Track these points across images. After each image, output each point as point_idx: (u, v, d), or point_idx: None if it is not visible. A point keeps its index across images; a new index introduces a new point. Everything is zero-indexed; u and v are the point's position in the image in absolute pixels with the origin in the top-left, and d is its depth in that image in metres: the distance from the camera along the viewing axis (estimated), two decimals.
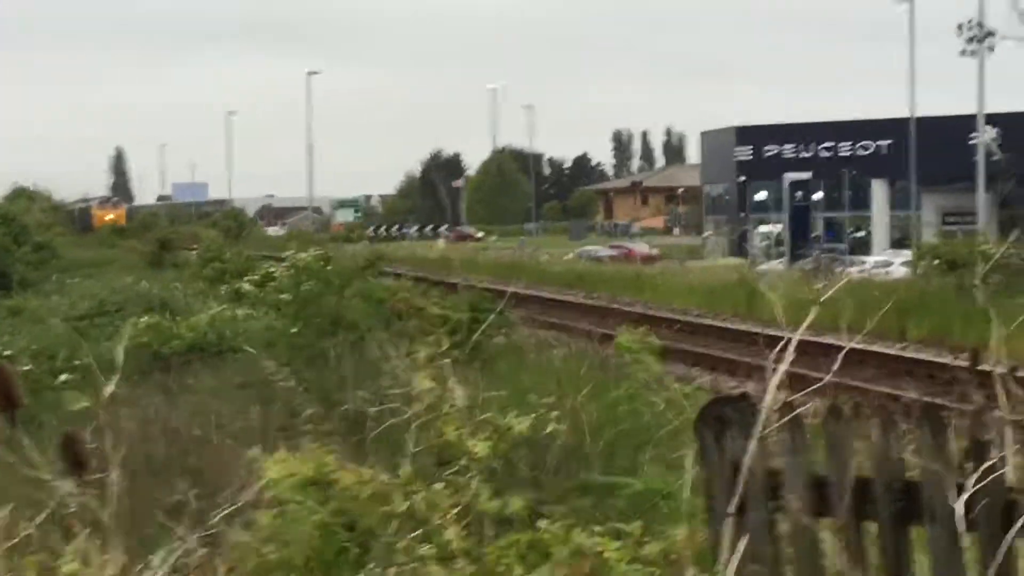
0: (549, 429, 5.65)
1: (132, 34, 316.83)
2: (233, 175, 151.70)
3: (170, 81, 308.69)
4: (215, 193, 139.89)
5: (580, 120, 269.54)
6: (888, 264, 47.33)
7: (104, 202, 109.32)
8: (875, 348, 23.15)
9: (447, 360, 6.27)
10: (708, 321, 32.76)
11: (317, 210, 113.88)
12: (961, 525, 4.27)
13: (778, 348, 4.70)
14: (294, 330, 19.29)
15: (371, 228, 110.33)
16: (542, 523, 4.72)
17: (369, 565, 4.58)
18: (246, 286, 30.18)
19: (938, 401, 15.54)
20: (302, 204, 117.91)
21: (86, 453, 3.54)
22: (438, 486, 4.89)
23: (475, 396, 5.82)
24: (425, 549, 4.67)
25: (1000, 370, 4.75)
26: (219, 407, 14.13)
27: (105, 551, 4.18)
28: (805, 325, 4.63)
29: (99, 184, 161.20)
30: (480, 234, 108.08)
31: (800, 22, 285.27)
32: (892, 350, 24.89)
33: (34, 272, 46.98)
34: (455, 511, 4.78)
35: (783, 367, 4.65)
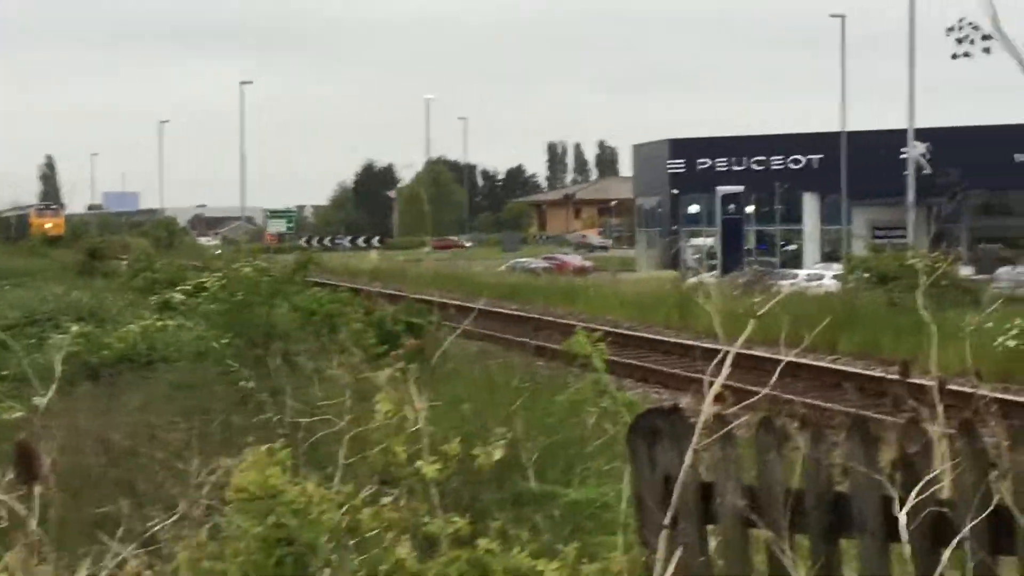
0: (497, 455, 5.63)
1: (64, 37, 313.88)
2: (165, 184, 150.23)
3: (101, 88, 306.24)
4: (147, 203, 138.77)
5: (515, 132, 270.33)
6: (820, 277, 47.64)
7: (42, 210, 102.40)
8: (807, 360, 23.32)
9: (403, 375, 6.26)
10: (641, 333, 32.86)
11: (250, 220, 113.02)
12: (896, 537, 4.30)
13: (716, 361, 4.72)
14: (225, 340, 19.18)
15: (304, 239, 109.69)
16: (482, 541, 4.74)
17: None
18: (177, 296, 29.97)
19: (869, 413, 15.70)
20: (235, 214, 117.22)
21: (39, 463, 3.53)
22: (385, 502, 4.89)
23: (419, 411, 5.80)
24: (362, 562, 4.67)
25: (934, 382, 4.80)
26: (152, 418, 14.03)
27: (36, 563, 4.15)
28: (743, 338, 4.65)
29: (28, 192, 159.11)
30: (468, 243, 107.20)
31: (734, 34, 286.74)
32: (824, 362, 25.09)
33: None
34: (400, 529, 4.78)
35: (720, 380, 4.68)
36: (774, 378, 5.12)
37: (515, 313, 38.04)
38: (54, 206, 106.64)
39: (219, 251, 60.59)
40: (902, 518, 4.13)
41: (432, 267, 63.76)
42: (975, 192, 62.55)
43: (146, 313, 28.25)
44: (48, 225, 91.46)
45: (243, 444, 5.97)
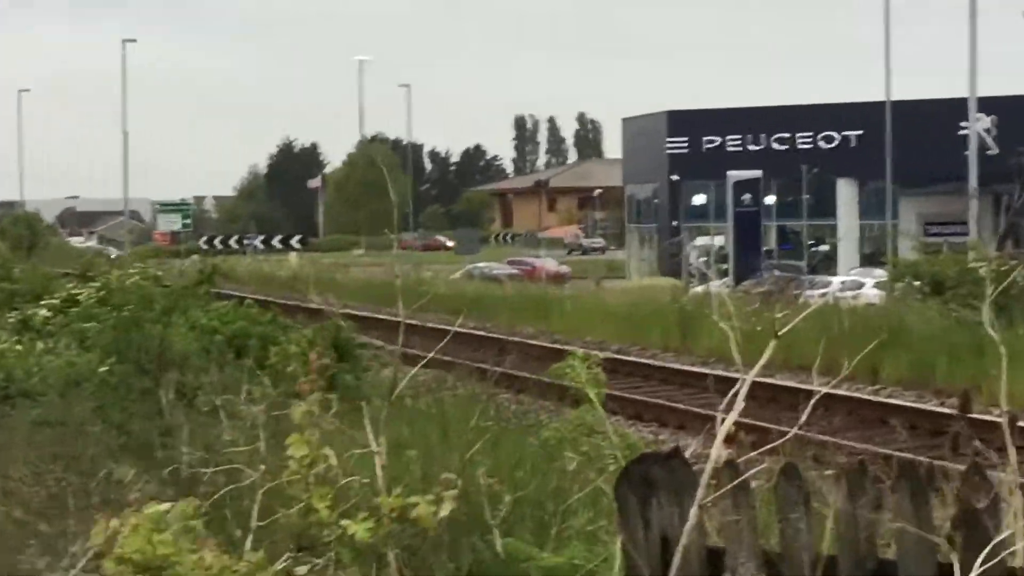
0: (446, 508, 5.64)
1: None
2: (25, 171, 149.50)
3: None
4: (3, 194, 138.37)
5: (473, 104, 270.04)
6: (859, 286, 47.84)
7: None
8: (843, 392, 23.36)
9: (322, 409, 6.26)
10: (632, 357, 32.86)
11: (135, 215, 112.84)
12: None
13: (730, 393, 4.72)
14: (105, 368, 19.16)
15: (204, 239, 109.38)
16: None
17: None
18: (42, 312, 29.90)
19: (922, 457, 15.76)
20: (116, 208, 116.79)
21: None
22: (301, 572, 4.91)
23: (349, 456, 5.81)
24: None
25: (1004, 417, 4.80)
26: (8, 468, 13.98)
27: None
28: (762, 363, 4.66)
29: None
30: (451, 243, 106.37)
31: None
32: (865, 394, 25.12)
33: None
34: None
35: (732, 416, 4.69)
36: (805, 415, 5.12)
37: (474, 333, 38.05)
38: None
39: (115, 255, 60.30)
40: None
41: (369, 273, 63.72)
42: None
43: (2, 335, 28.17)
44: None
45: (126, 501, 5.95)
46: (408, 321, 21.19)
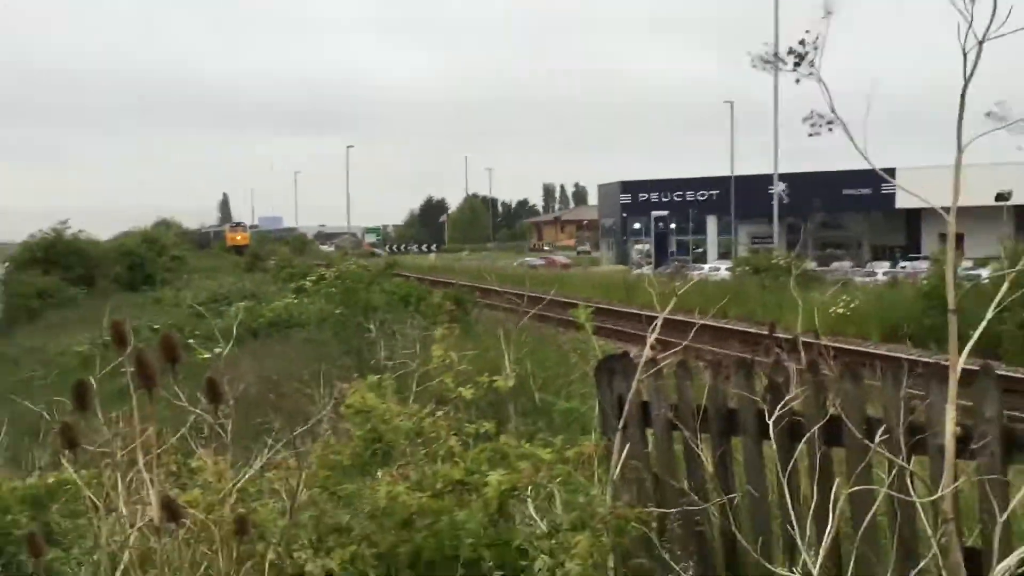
0: (511, 383, 5.65)
1: (224, 116, 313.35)
2: (299, 211, 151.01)
3: (259, 150, 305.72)
4: (288, 223, 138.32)
5: (522, 176, 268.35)
6: (717, 269, 47.46)
7: (235, 227, 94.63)
8: (710, 322, 23.24)
9: (450, 333, 6.26)
10: (603, 305, 32.80)
11: (353, 235, 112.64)
12: (767, 436, 4.29)
13: (655, 325, 4.72)
14: (338, 311, 19.24)
15: (388, 247, 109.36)
16: (503, 437, 4.76)
17: (393, 462, 4.60)
18: (306, 284, 30.07)
19: (749, 356, 15.68)
20: (344, 230, 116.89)
21: (222, 388, 3.55)
22: (439, 414, 4.92)
23: (462, 356, 5.81)
24: (425, 452, 4.69)
25: (799, 336, 4.79)
26: (291, 362, 14.08)
27: (221, 455, 4.18)
28: (668, 308, 4.65)
29: (210, 218, 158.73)
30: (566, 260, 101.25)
31: (667, 112, 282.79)
32: (720, 324, 25.07)
33: (170, 274, 46.52)
34: (449, 430, 4.80)
35: (653, 335, 4.68)
36: (691, 336, 5.12)
37: (520, 293, 37.94)
38: (243, 224, 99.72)
39: (343, 253, 60.20)
40: (771, 424, 4.14)
41: (471, 265, 63.64)
42: (817, 214, 62.25)
43: (287, 294, 28.35)
44: (238, 238, 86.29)
45: (351, 378, 5.98)
46: (489, 287, 21.04)
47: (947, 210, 3.07)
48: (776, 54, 3.13)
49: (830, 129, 3.07)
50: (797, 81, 3.05)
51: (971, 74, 2.97)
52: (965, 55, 2.97)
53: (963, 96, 2.99)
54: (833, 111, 3.04)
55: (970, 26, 2.94)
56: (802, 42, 3.04)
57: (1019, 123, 2.98)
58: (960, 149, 3.08)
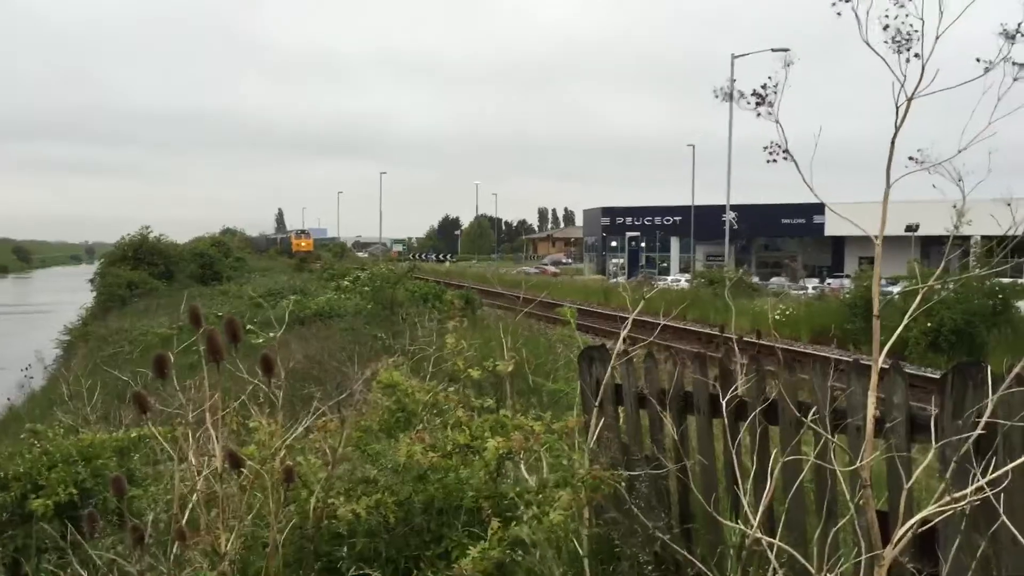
0: (509, 367, 5.63)
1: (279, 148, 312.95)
2: (340, 224, 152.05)
3: (307, 172, 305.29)
4: (330, 233, 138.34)
5: (521, 200, 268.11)
6: (678, 280, 47.42)
7: (300, 234, 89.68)
8: (672, 323, 23.21)
9: (460, 325, 6.24)
10: (584, 307, 32.75)
11: (384, 244, 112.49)
12: (718, 415, 4.28)
13: (627, 323, 4.71)
14: (369, 306, 19.20)
15: (411, 255, 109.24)
16: (502, 411, 4.74)
17: (413, 428, 4.59)
18: (345, 283, 30.04)
19: (704, 351, 15.64)
20: (375, 241, 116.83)
21: (275, 364, 3.53)
22: (451, 390, 4.90)
23: (470, 344, 5.79)
24: (440, 420, 4.68)
25: (735, 335, 4.77)
26: (331, 345, 14.04)
27: (273, 418, 4.18)
28: (637, 310, 4.64)
29: (268, 227, 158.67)
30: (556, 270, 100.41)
31: (642, 150, 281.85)
32: (680, 324, 25.03)
33: (234, 272, 46.56)
34: (459, 403, 4.79)
35: (624, 331, 4.68)
36: (655, 333, 5.10)
37: (517, 295, 37.85)
38: (307, 232, 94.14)
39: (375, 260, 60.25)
40: (721, 405, 4.14)
41: (478, 271, 63.58)
42: (760, 238, 62.18)
43: (329, 291, 28.31)
44: (303, 244, 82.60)
45: (380, 359, 5.97)
46: (493, 289, 20.97)
47: (876, 236, 3.07)
48: (731, 94, 3.13)
49: (785, 158, 3.06)
50: (758, 115, 3.04)
51: (900, 124, 2.98)
52: (897, 108, 2.98)
53: (892, 143, 2.99)
54: (787, 150, 3.04)
55: (903, 85, 2.95)
56: (764, 86, 3.04)
57: (937, 165, 2.98)
58: (888, 185, 3.08)
